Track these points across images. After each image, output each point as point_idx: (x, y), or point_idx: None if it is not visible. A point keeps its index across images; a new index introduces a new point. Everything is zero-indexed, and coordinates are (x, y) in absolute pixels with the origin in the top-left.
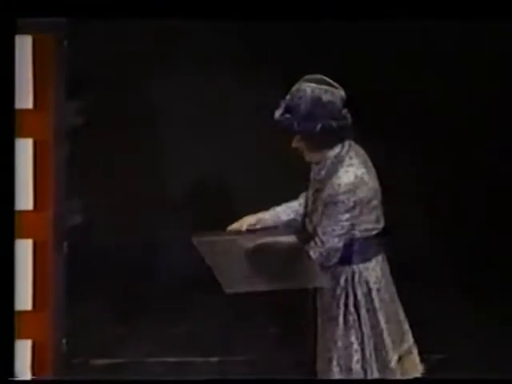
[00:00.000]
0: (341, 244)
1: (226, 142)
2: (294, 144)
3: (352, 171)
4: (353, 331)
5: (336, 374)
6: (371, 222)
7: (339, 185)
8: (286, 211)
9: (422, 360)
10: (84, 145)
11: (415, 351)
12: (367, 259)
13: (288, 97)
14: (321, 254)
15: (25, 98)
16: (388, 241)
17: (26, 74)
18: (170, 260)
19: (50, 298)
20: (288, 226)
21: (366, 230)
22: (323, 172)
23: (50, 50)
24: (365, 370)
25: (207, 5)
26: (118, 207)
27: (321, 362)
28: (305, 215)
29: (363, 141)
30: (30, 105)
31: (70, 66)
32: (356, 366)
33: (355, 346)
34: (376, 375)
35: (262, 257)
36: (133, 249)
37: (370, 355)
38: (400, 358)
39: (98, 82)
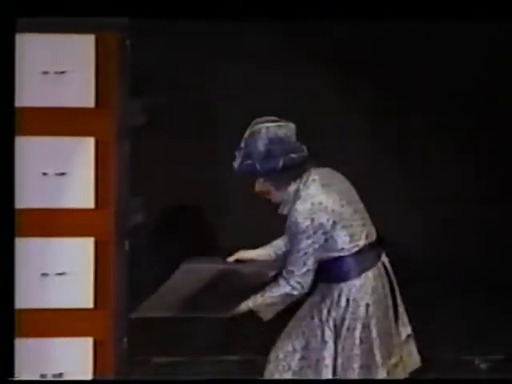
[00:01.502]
0: (305, 269)
1: None
2: (258, 188)
3: (307, 200)
4: (327, 346)
5: None
6: (346, 242)
7: (295, 215)
8: (272, 249)
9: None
10: (146, 143)
11: (401, 365)
12: (353, 276)
13: (243, 144)
14: (292, 286)
15: (87, 97)
16: (380, 253)
17: (88, 73)
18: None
19: (111, 297)
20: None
21: (343, 249)
22: (286, 209)
23: (113, 50)
24: None
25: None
26: (179, 206)
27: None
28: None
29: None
30: (92, 104)
31: (133, 65)
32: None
33: (327, 360)
34: None
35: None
36: (194, 246)
37: (343, 371)
38: (388, 373)
39: (161, 81)
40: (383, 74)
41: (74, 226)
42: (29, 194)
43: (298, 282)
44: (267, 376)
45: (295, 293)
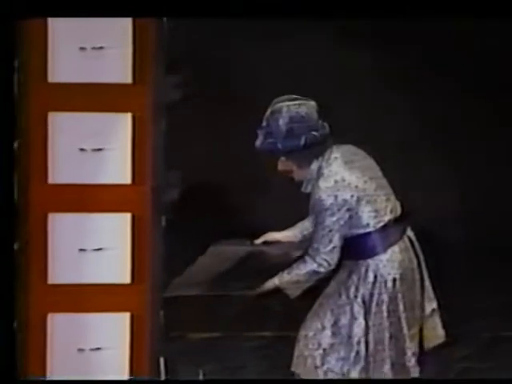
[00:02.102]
0: (331, 246)
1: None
2: (280, 167)
3: (330, 177)
4: (358, 322)
5: (333, 361)
6: (371, 218)
7: (318, 193)
8: (299, 230)
9: None
10: (182, 119)
11: (418, 337)
12: (379, 252)
13: (264, 123)
14: (318, 263)
15: (124, 73)
16: (405, 227)
17: (126, 49)
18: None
19: (148, 272)
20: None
21: (368, 225)
22: (310, 187)
23: (150, 25)
24: (366, 362)
25: None
26: (215, 182)
27: (310, 348)
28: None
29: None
30: (129, 80)
31: (170, 40)
32: (355, 357)
33: (358, 336)
34: (380, 369)
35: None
36: (232, 221)
37: (375, 347)
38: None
39: (197, 56)
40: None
41: (111, 201)
42: (66, 170)
43: (324, 260)
44: (297, 354)
45: (322, 270)
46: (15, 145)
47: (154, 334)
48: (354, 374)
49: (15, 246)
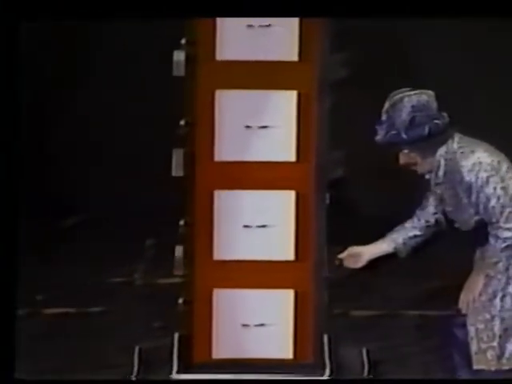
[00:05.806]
0: (507, 211)
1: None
2: (403, 160)
3: (468, 156)
4: None
5: (511, 346)
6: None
7: (463, 173)
8: (402, 233)
9: None
10: (346, 97)
11: None
12: None
13: (384, 117)
14: (504, 238)
15: (291, 51)
16: None
17: (292, 26)
18: None
19: (312, 249)
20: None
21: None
22: (441, 172)
23: None
24: None
25: None
26: (377, 159)
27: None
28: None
29: None
30: (295, 57)
31: (335, 18)
32: None
33: None
34: None
35: None
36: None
37: None
38: None
39: (362, 34)
40: None
41: (276, 178)
42: (232, 147)
43: (507, 229)
44: (474, 351)
45: (510, 242)
46: (182, 122)
47: (318, 311)
48: None
49: (182, 222)
